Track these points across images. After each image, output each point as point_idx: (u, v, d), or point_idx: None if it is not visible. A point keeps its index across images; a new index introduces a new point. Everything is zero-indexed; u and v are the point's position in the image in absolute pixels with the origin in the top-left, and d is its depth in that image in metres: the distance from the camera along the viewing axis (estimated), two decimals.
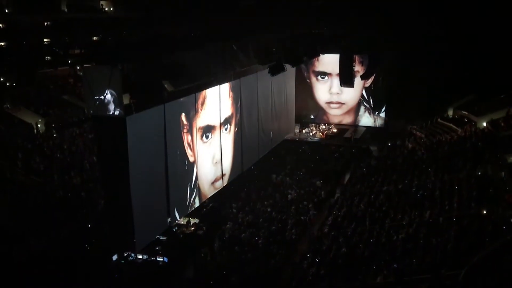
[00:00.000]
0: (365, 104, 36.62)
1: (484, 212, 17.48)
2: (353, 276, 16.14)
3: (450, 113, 34.70)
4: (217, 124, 23.96)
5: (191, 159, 21.88)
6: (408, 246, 16.76)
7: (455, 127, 31.08)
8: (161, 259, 19.79)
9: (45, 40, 37.90)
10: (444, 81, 33.82)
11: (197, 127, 22.18)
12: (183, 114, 20.93)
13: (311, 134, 35.73)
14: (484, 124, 29.01)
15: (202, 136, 22.70)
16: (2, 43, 35.27)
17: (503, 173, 20.77)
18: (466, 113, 32.57)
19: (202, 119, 22.52)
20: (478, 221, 16.90)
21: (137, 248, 18.96)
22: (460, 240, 15.87)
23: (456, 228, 16.79)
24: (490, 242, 15.19)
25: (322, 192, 25.08)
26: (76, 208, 22.49)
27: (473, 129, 28.68)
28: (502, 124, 27.54)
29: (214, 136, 23.85)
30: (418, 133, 33.20)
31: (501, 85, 31.15)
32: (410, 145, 30.09)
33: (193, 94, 21.46)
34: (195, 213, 23.11)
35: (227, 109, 25.14)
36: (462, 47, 33.25)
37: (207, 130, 23.12)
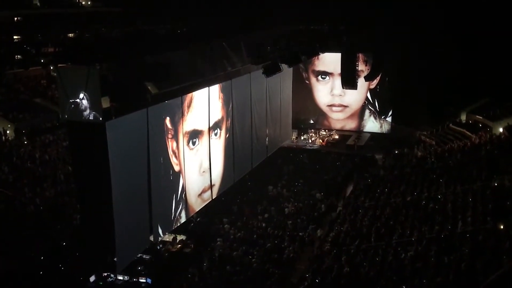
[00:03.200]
0: (370, 107, 36.69)
1: (501, 227, 17.51)
2: None
3: (463, 117, 34.92)
4: (205, 128, 23.97)
5: (176, 168, 21.86)
6: (418, 265, 16.75)
7: (469, 133, 31.27)
8: (144, 281, 19.62)
9: (15, 37, 37.83)
10: (456, 82, 33.99)
11: (183, 132, 22.16)
12: (168, 118, 20.91)
13: (310, 141, 35.81)
14: (501, 130, 29.20)
15: (188, 142, 22.69)
16: None
17: None
18: (481, 117, 32.78)
19: (188, 123, 22.52)
20: (495, 237, 16.95)
21: (118, 268, 18.83)
22: (474, 258, 15.91)
23: (470, 245, 16.82)
24: (508, 260, 15.23)
25: (323, 206, 25.07)
26: (49, 224, 22.35)
27: (488, 136, 28.85)
28: None
29: (202, 142, 23.84)
30: (427, 139, 33.34)
31: None
32: (419, 153, 30.20)
33: (179, 97, 21.49)
34: (182, 228, 23.03)
35: (217, 112, 25.17)
36: (475, 44, 33.47)
37: (194, 135, 23.12)
